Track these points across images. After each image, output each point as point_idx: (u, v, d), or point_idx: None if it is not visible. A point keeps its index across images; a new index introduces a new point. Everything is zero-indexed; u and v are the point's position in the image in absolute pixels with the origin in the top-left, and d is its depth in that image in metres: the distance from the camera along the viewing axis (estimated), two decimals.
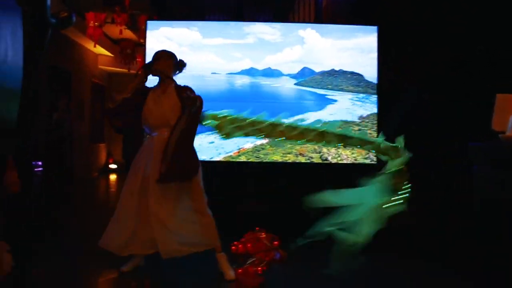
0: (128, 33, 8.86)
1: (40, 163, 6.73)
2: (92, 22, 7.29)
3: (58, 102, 7.80)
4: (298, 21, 5.70)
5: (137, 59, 10.17)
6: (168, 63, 3.53)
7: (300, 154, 5.00)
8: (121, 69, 11.16)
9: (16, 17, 0.75)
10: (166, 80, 3.51)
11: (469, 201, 3.52)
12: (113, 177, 11.70)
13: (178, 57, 3.58)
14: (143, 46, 7.84)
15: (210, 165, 3.77)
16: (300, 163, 5.02)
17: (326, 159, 5.00)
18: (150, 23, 5.17)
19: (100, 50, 10.59)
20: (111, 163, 12.63)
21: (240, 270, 3.47)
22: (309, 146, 5.00)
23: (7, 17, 0.72)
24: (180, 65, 3.60)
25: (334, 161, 5.01)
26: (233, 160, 4.93)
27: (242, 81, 5.11)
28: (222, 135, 3.33)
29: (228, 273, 3.39)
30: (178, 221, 3.32)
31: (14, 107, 0.78)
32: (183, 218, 3.35)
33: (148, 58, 5.01)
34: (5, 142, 0.82)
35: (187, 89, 3.45)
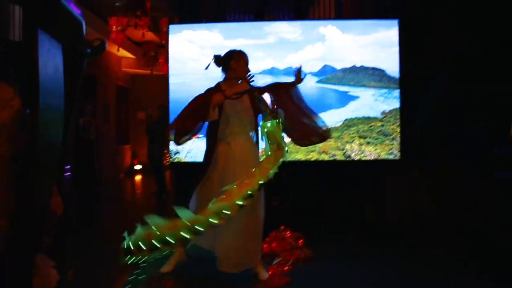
0: (150, 35, 8.99)
1: (68, 167, 6.91)
2: (114, 26, 7.42)
3: (84, 106, 7.95)
4: (319, 17, 5.69)
5: (160, 61, 10.29)
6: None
7: (324, 151, 5.02)
8: (144, 71, 11.31)
9: (57, 54, 0.81)
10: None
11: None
12: (138, 177, 11.88)
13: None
14: (165, 47, 7.95)
15: None
16: (324, 161, 5.03)
17: (349, 156, 5.01)
18: (172, 27, 5.23)
19: (123, 53, 10.75)
20: (136, 164, 12.82)
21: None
22: (332, 144, 5.02)
23: (51, 56, 0.78)
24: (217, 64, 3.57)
25: (357, 158, 5.01)
26: None
27: (265, 81, 5.10)
28: None
29: (262, 273, 3.43)
30: (247, 234, 3.32)
31: (60, 135, 0.85)
32: (251, 231, 3.35)
33: (171, 61, 5.12)
34: (54, 172, 0.90)
35: (259, 90, 3.48)
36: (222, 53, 3.58)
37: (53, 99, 0.84)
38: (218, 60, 3.53)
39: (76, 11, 0.92)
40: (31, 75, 0.76)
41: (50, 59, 0.82)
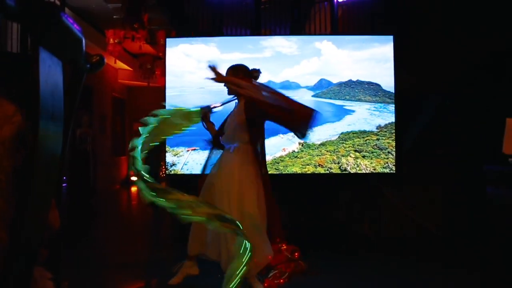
0: (147, 48, 9.03)
1: (64, 178, 6.92)
2: (111, 39, 7.46)
3: (81, 118, 7.97)
4: (315, 31, 5.75)
5: (156, 73, 10.33)
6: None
7: (320, 165, 5.04)
8: (140, 83, 11.34)
9: (58, 71, 0.84)
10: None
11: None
12: (134, 189, 11.85)
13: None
14: (162, 59, 7.98)
15: None
16: (319, 174, 5.05)
17: (345, 170, 5.03)
18: (169, 40, 5.27)
19: (120, 64, 10.79)
20: (132, 175, 12.80)
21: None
22: (328, 157, 5.04)
23: (52, 73, 0.80)
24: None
25: (353, 171, 5.04)
26: None
27: None
28: None
29: (257, 286, 3.40)
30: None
31: (59, 149, 0.87)
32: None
33: (168, 74, 5.15)
34: (53, 186, 0.92)
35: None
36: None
37: (53, 115, 0.86)
38: None
39: (76, 28, 0.95)
40: (32, 92, 0.79)
41: (51, 76, 0.85)
